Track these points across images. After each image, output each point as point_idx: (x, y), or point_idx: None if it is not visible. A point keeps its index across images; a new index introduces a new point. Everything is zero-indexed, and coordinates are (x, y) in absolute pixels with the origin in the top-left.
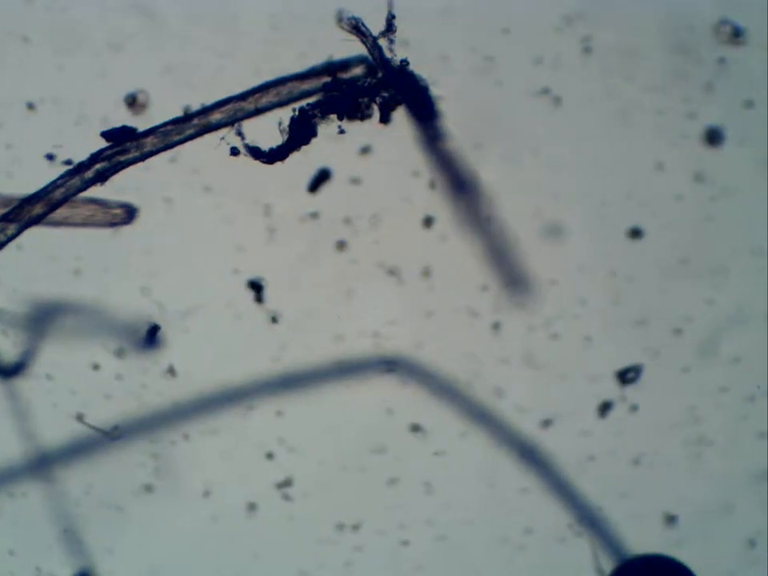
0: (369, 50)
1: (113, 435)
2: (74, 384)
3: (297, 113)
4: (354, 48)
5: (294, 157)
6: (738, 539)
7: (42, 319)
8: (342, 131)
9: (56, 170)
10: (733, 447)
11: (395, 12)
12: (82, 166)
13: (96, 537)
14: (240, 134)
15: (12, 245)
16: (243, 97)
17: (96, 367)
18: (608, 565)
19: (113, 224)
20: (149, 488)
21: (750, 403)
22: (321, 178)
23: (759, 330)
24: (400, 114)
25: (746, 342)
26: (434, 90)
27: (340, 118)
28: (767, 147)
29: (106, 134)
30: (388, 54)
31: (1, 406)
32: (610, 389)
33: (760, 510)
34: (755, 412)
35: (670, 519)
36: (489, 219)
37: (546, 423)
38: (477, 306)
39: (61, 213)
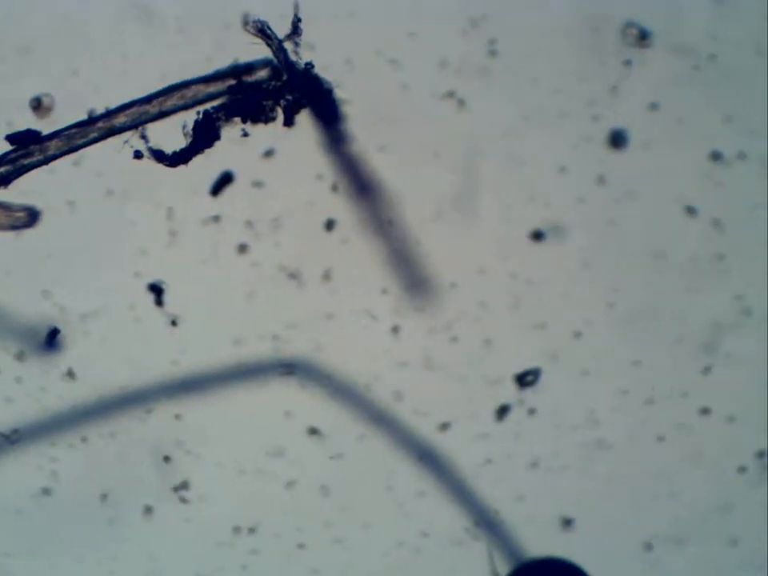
0: (274, 53)
1: (12, 438)
2: None
3: (201, 116)
4: (260, 51)
5: (198, 160)
6: (635, 542)
7: None
8: (245, 134)
9: None
10: (630, 450)
11: (300, 15)
12: None
13: None
14: (144, 137)
15: None
16: (148, 100)
17: None
18: (504, 568)
19: (15, 227)
20: (47, 491)
21: (648, 407)
22: (223, 181)
23: (657, 332)
24: (304, 117)
25: (644, 345)
26: (339, 93)
27: (244, 121)
28: (672, 150)
29: (10, 138)
30: (293, 57)
31: None
32: (509, 392)
33: (657, 513)
34: (653, 415)
35: (567, 522)
36: (390, 222)
37: (444, 426)
38: (377, 310)
39: None
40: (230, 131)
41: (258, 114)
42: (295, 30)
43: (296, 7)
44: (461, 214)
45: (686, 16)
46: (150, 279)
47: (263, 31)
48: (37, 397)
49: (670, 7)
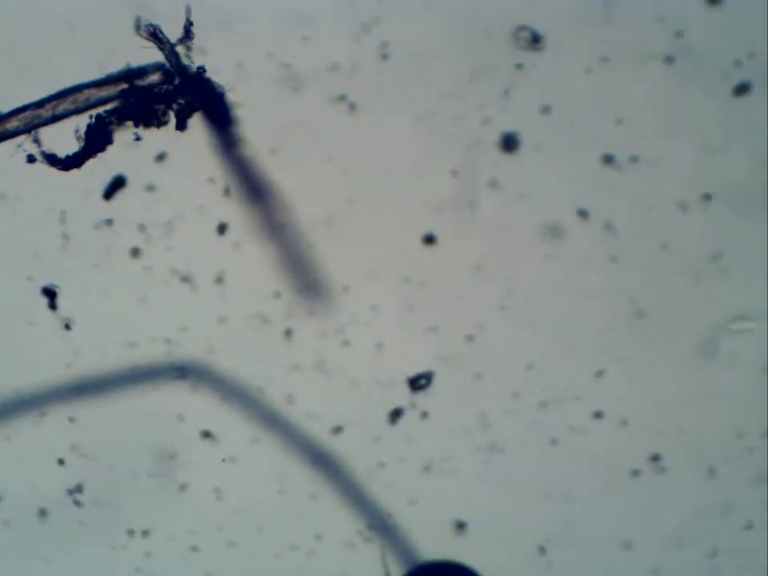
0: (166, 57)
1: None
2: None
3: (94, 120)
4: (152, 55)
5: (90, 164)
6: (528, 545)
7: None
8: (138, 138)
9: None
10: (523, 454)
11: (192, 19)
12: None
13: None
14: (37, 141)
15: None
16: (40, 104)
17: None
18: (397, 571)
19: None
20: None
21: (541, 410)
22: (116, 185)
23: (550, 336)
24: (196, 121)
25: (537, 348)
26: (231, 97)
27: (136, 125)
28: (564, 153)
29: None
30: (185, 61)
31: None
32: (401, 395)
33: (550, 516)
34: (546, 418)
35: (460, 525)
36: (282, 226)
37: (337, 430)
38: (269, 313)
39: None
40: (123, 135)
41: (150, 118)
42: (187, 34)
43: (188, 11)
44: (353, 218)
45: (578, 19)
46: (43, 283)
47: (155, 35)
48: None
49: (561, 10)
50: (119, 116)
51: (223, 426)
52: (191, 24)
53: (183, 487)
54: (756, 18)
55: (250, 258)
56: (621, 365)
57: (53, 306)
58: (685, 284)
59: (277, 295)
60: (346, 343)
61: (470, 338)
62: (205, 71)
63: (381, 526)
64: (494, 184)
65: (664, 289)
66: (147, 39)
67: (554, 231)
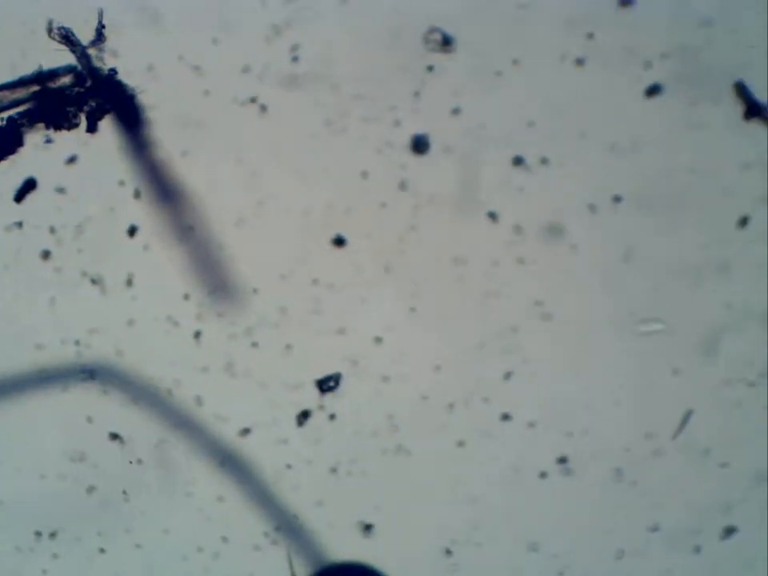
0: (78, 59)
1: None
2: None
3: (4, 122)
4: (64, 58)
5: (1, 166)
6: (434, 547)
7: None
8: (49, 140)
9: None
10: (430, 456)
11: (104, 22)
12: None
13: None
14: None
15: None
16: None
17: None
18: (303, 572)
19: None
20: None
21: (449, 412)
22: (27, 188)
23: (458, 337)
24: (107, 123)
25: (445, 350)
26: (142, 99)
27: (47, 128)
28: (473, 155)
29: None
30: (97, 64)
31: None
32: (310, 397)
33: (457, 519)
34: (454, 421)
35: (366, 527)
36: (192, 228)
37: (245, 431)
38: (179, 315)
39: None
40: (34, 137)
41: (61, 121)
42: (99, 37)
43: (100, 14)
44: (263, 220)
45: (490, 21)
46: None
47: (67, 38)
48: None
49: (473, 12)
50: (30, 118)
51: (131, 428)
52: (103, 26)
53: (91, 489)
54: (667, 19)
55: (160, 261)
56: (528, 366)
57: None
58: (593, 285)
59: (186, 297)
60: (254, 345)
61: (378, 340)
62: (116, 73)
63: (287, 527)
64: (403, 186)
65: (571, 290)
66: (59, 42)
67: (463, 233)
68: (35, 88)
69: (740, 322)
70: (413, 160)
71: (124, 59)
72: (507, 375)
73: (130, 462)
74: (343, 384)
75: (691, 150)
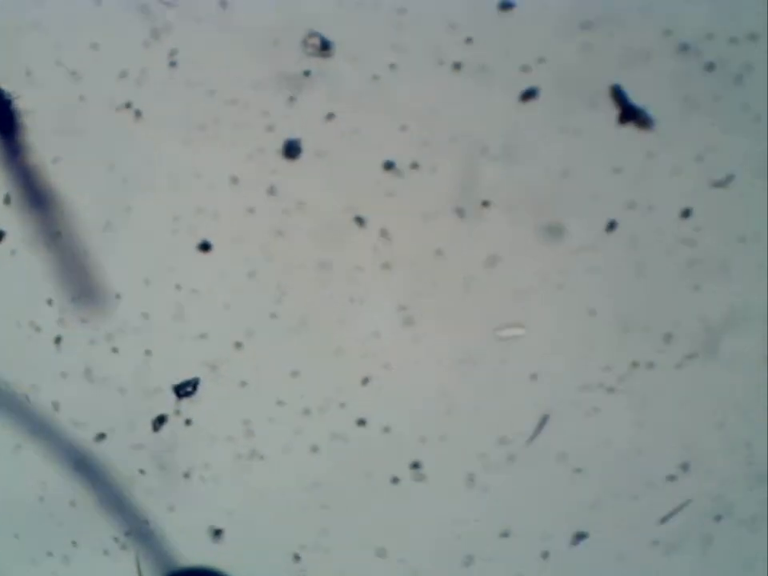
0: None
1: None
2: None
3: None
4: None
5: None
6: (283, 552)
7: None
8: None
9: None
10: (284, 461)
11: None
12: None
13: None
14: None
15: None
16: None
17: None
18: None
19: None
20: None
21: (304, 417)
22: None
23: (317, 343)
24: None
25: (303, 356)
26: (18, 104)
27: None
28: (344, 160)
29: None
30: None
31: None
32: (167, 403)
33: (307, 524)
34: (309, 426)
35: (216, 532)
36: (59, 233)
37: (101, 437)
38: (40, 320)
39: None
40: None
41: None
42: None
43: None
44: (131, 225)
45: (369, 25)
46: None
47: None
48: None
49: (352, 16)
50: None
51: None
52: None
53: None
54: (546, 23)
55: (26, 266)
56: (386, 372)
57: None
58: (456, 291)
59: (50, 303)
60: (115, 350)
61: (238, 345)
62: None
63: (138, 532)
64: (272, 191)
65: (435, 296)
66: None
67: (329, 238)
68: None
69: (600, 328)
70: (283, 165)
71: (1, 64)
72: (365, 380)
73: None
74: (201, 389)
75: (564, 155)
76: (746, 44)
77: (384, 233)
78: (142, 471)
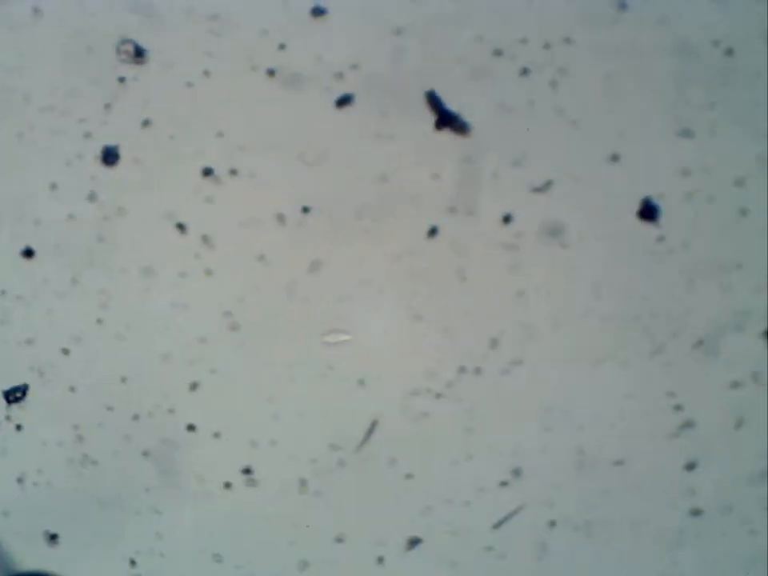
0: None
1: None
2: None
3: None
4: None
5: None
6: (119, 557)
7: None
8: None
9: None
10: (115, 466)
11: None
12: None
13: None
14: None
15: None
16: None
17: None
18: None
19: None
20: None
21: (133, 422)
22: None
23: (145, 348)
24: None
25: (131, 362)
26: None
27: None
28: (163, 166)
29: None
30: None
31: None
32: None
33: (142, 529)
34: (139, 432)
35: (52, 537)
36: None
37: None
38: None
39: None
40: None
41: None
42: None
43: None
44: None
45: (182, 32)
46: None
47: None
48: None
49: (165, 24)
50: None
51: None
52: None
53: None
54: (359, 29)
55: None
56: (214, 377)
57: None
58: (280, 296)
59: None
60: None
61: (65, 351)
62: None
63: None
64: (92, 197)
65: (259, 301)
66: None
67: (151, 244)
68: None
69: (425, 333)
70: (102, 172)
71: None
72: (194, 386)
73: None
74: (30, 395)
75: (381, 160)
76: (560, 49)
77: (206, 239)
78: None
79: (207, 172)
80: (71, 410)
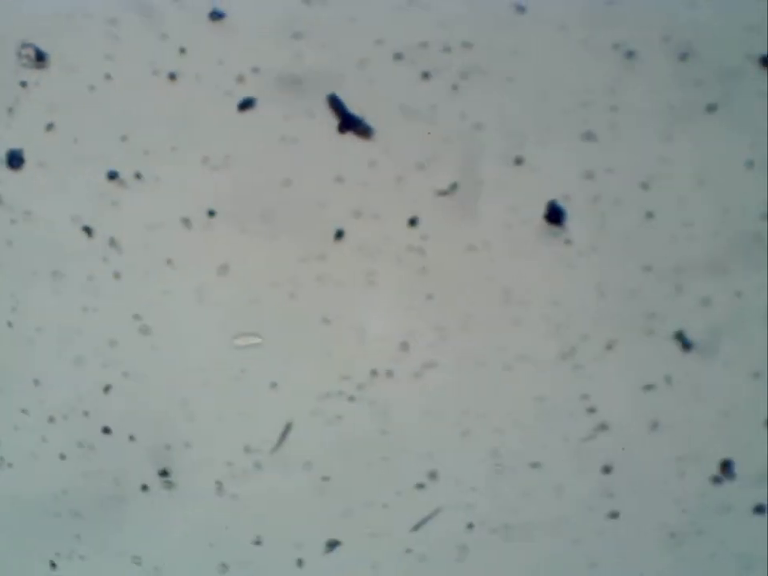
0: None
1: None
2: None
3: None
4: None
5: None
6: (39, 560)
7: None
8: None
9: None
10: (31, 468)
11: None
12: None
13: None
14: None
15: None
16: None
17: None
18: None
19: None
20: None
21: (50, 425)
22: None
23: (55, 352)
24: None
25: (43, 364)
26: None
27: None
28: (67, 170)
29: None
30: None
31: None
32: None
33: (61, 531)
34: (55, 435)
35: None
36: None
37: None
38: None
39: None
40: None
41: None
42: None
43: None
44: None
45: (83, 36)
46: None
47: None
48: None
49: (66, 27)
50: None
51: None
52: None
53: None
54: (259, 32)
55: None
56: (127, 380)
57: None
58: (189, 300)
59: None
60: None
61: None
62: None
63: None
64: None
65: (169, 304)
66: None
67: (58, 248)
68: None
69: (336, 336)
70: (8, 175)
71: None
72: (107, 388)
73: None
74: None
75: (285, 164)
76: (459, 52)
77: (113, 242)
78: None
79: (112, 175)
80: None
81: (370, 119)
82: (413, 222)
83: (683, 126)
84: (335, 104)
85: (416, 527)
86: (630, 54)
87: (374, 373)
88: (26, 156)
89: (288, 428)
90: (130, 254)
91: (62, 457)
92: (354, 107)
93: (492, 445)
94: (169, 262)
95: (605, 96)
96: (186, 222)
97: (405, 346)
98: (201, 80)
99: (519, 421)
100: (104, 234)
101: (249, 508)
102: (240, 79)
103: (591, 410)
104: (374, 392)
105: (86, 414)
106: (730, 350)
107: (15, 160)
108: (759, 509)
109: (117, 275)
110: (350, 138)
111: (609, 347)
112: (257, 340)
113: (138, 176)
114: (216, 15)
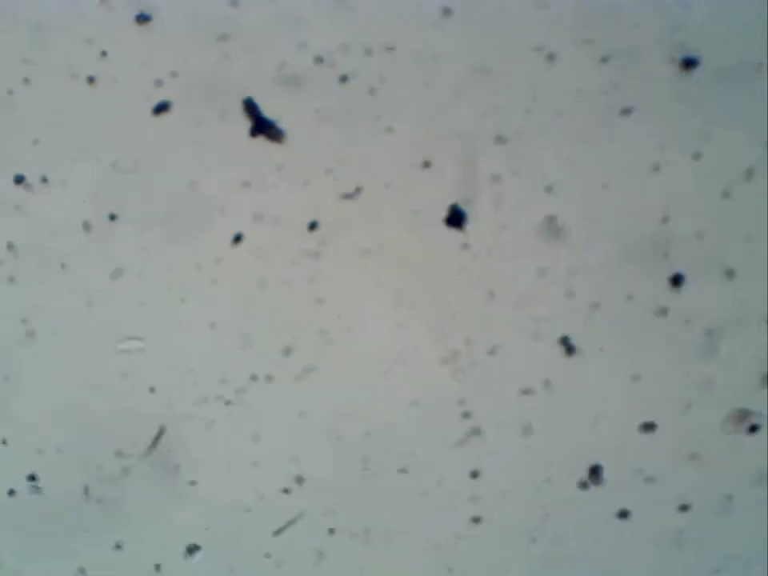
0: None
1: None
2: None
3: None
4: None
5: None
6: None
7: None
8: None
9: None
10: None
11: None
12: None
13: None
14: None
15: None
16: None
17: None
18: None
19: None
20: None
21: None
22: None
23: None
24: None
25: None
26: None
27: None
28: None
29: None
30: None
31: None
32: None
33: None
34: None
35: None
36: None
37: None
38: None
39: None
40: None
41: None
42: None
43: None
44: None
45: (1, 39)
46: None
47: None
48: None
49: None
50: None
51: None
52: None
53: None
54: (182, 36)
55: None
56: (6, 384)
57: None
58: (79, 304)
59: None
60: None
61: None
62: None
63: None
64: None
65: (57, 309)
66: None
67: None
68: None
69: (219, 341)
70: None
71: None
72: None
73: None
74: None
75: (194, 168)
76: (381, 56)
77: (11, 246)
78: None
79: (19, 179)
80: None
81: (284, 123)
82: (312, 225)
83: (597, 129)
84: (250, 107)
85: (277, 532)
86: (551, 57)
87: (254, 377)
88: None
89: (161, 432)
90: (26, 259)
91: None
92: (270, 111)
93: (362, 450)
94: (63, 266)
95: (519, 99)
96: (87, 225)
97: (288, 351)
98: (119, 84)
99: (392, 426)
100: (3, 237)
101: (112, 512)
102: (158, 83)
103: (466, 415)
104: (250, 396)
105: None
106: (613, 353)
107: None
108: (623, 514)
109: (11, 279)
110: (261, 142)
111: (492, 352)
112: (140, 344)
113: (44, 180)
114: (142, 18)
